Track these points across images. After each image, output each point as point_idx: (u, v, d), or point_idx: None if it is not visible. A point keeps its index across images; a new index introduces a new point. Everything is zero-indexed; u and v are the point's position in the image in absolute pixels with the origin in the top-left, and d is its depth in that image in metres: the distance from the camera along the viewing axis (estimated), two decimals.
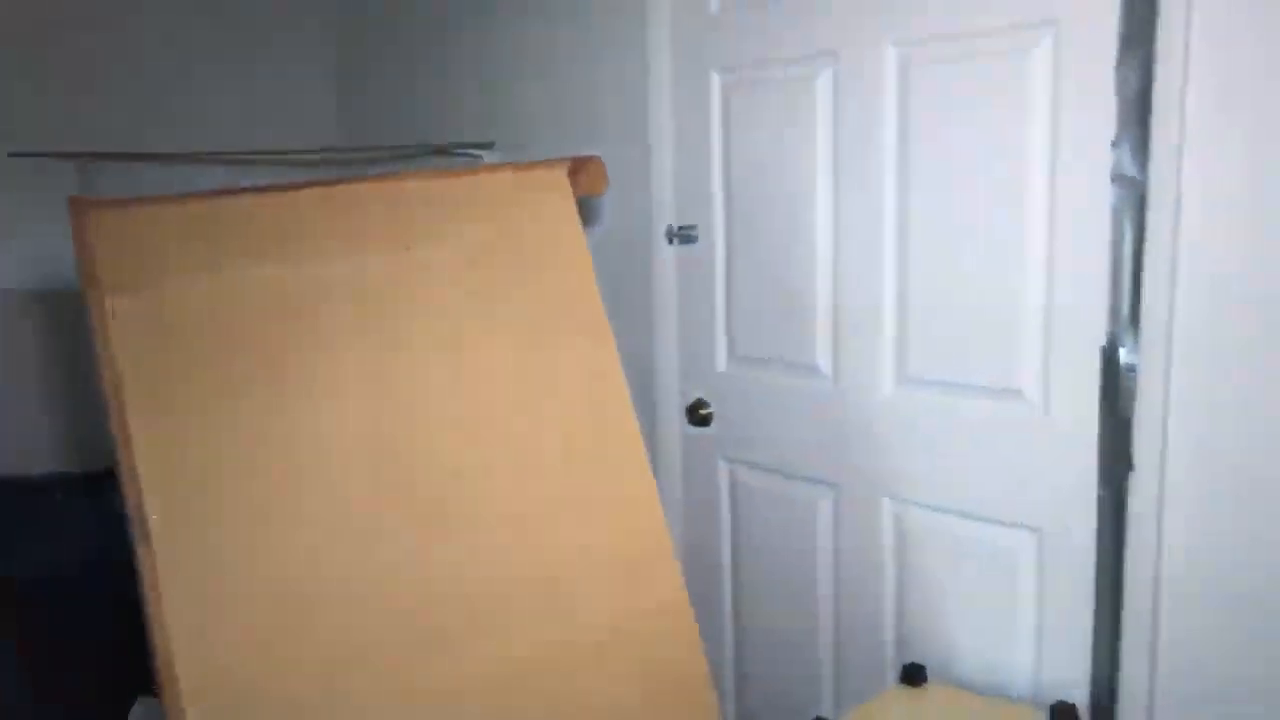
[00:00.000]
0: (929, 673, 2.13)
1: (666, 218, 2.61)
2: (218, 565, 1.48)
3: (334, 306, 1.62)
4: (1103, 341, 1.88)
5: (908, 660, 2.17)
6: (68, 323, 2.96)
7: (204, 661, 1.44)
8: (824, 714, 2.15)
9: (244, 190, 1.63)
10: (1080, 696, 1.97)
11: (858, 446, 2.28)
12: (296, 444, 1.55)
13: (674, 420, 2.69)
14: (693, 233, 2.56)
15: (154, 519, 1.45)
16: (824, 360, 2.33)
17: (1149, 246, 1.81)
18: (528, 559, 1.68)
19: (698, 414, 2.62)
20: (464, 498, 1.65)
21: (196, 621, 1.45)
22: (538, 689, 1.63)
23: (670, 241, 2.60)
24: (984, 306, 2.04)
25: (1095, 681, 1.97)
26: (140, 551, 1.47)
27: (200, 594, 1.46)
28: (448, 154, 2.96)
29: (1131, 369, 1.85)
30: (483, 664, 1.59)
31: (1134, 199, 1.82)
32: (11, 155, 2.80)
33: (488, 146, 2.92)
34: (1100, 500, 1.91)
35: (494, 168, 2.01)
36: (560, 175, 1.94)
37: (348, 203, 1.70)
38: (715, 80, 2.45)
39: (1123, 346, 1.86)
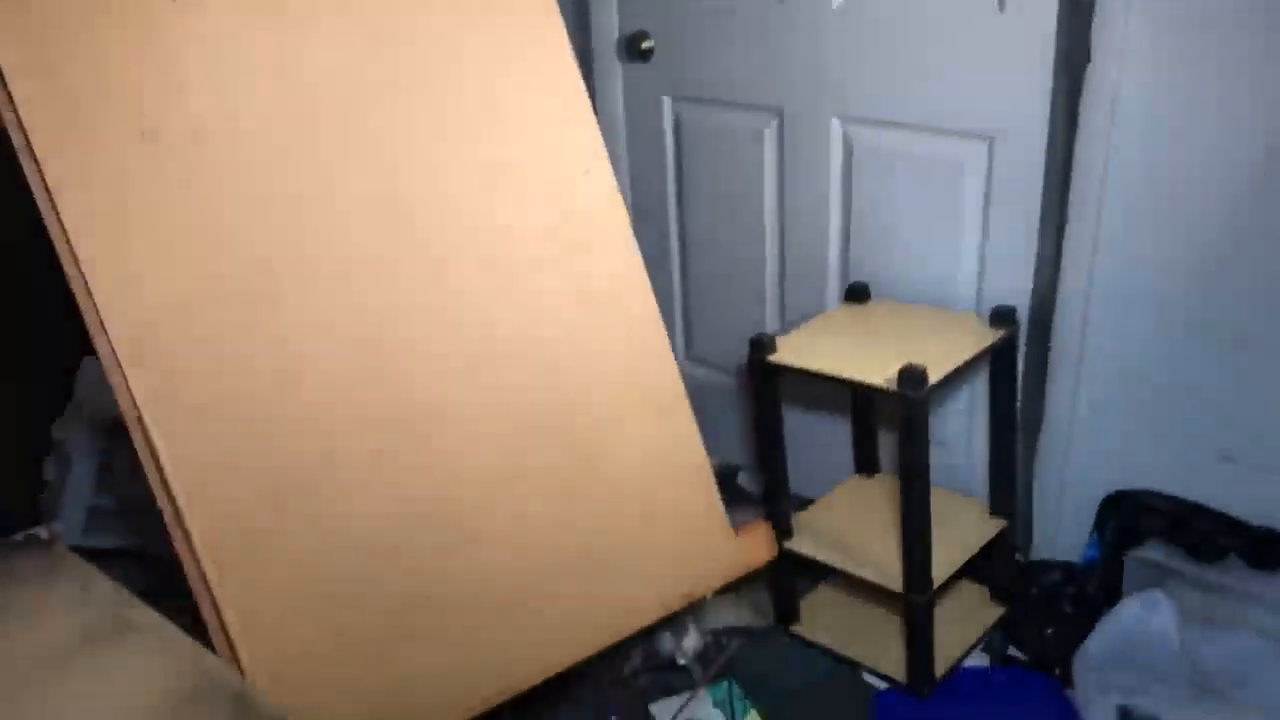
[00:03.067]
0: (875, 288, 2.15)
1: None
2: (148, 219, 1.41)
3: None
4: None
5: (852, 281, 2.18)
6: None
7: (137, 313, 1.40)
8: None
9: None
10: (1021, 303, 2.00)
11: (806, 65, 2.16)
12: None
13: (611, 55, 2.53)
14: None
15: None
16: None
17: None
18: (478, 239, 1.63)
19: (638, 48, 2.46)
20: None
21: (128, 271, 1.41)
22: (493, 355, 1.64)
23: None
24: None
25: (1036, 288, 1.99)
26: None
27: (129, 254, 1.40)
28: None
29: None
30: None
31: None
32: None
33: None
34: (1054, 96, 1.83)
35: None
36: None
37: None
38: None
39: None
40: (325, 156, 1.53)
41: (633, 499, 1.74)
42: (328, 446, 1.53)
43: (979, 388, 2.11)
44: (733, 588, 2.26)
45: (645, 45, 2.45)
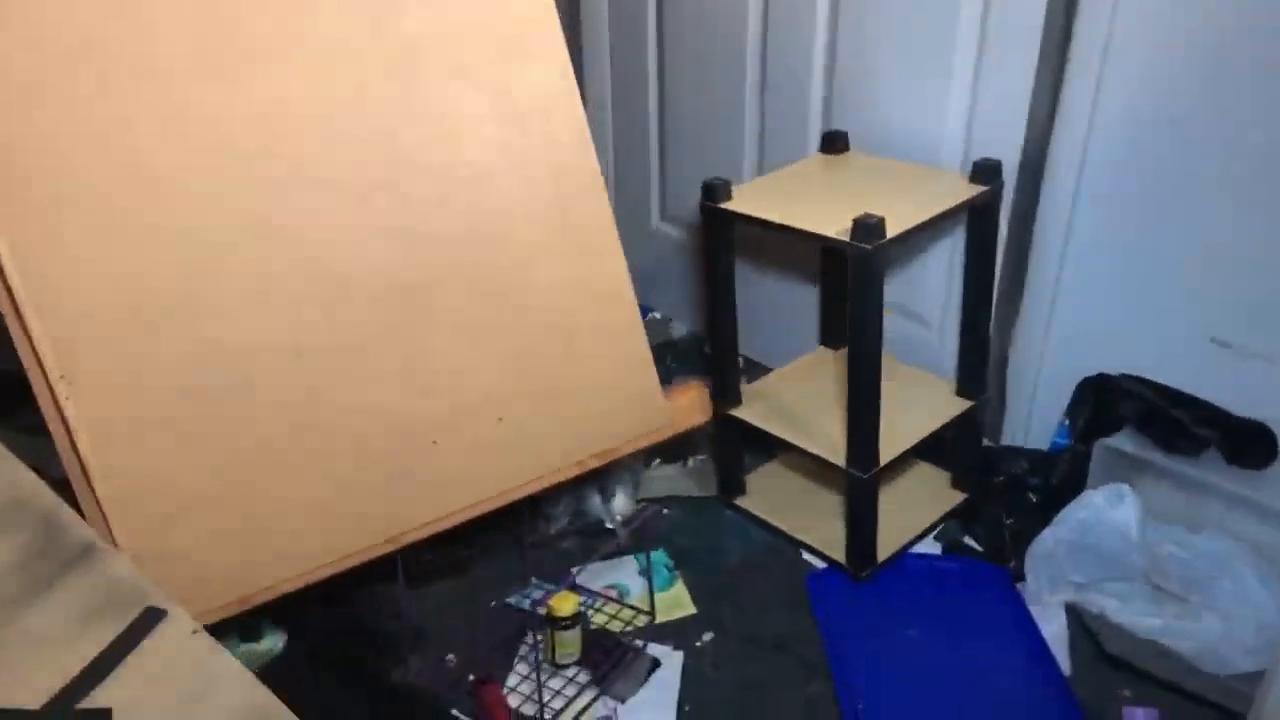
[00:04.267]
0: (855, 141, 1.94)
1: None
2: None
3: None
4: None
5: (830, 129, 1.97)
6: None
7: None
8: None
9: None
10: (1010, 160, 1.79)
11: None
12: None
13: None
14: None
15: None
16: None
17: None
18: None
19: None
20: None
21: None
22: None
23: None
24: None
25: (1028, 144, 1.78)
26: None
27: None
28: None
29: None
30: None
31: None
32: None
33: None
34: None
35: None
36: None
37: None
38: None
39: None
40: None
41: (550, 344, 1.58)
42: (199, 258, 1.38)
43: (960, 258, 1.92)
44: (680, 456, 2.13)
45: None
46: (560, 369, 1.60)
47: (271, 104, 1.40)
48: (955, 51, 1.80)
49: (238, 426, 1.42)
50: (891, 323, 2.08)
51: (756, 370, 2.35)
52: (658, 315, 2.68)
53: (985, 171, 1.70)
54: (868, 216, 1.52)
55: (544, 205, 1.57)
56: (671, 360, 2.52)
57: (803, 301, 2.23)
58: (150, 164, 1.34)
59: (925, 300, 2.02)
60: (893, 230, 1.54)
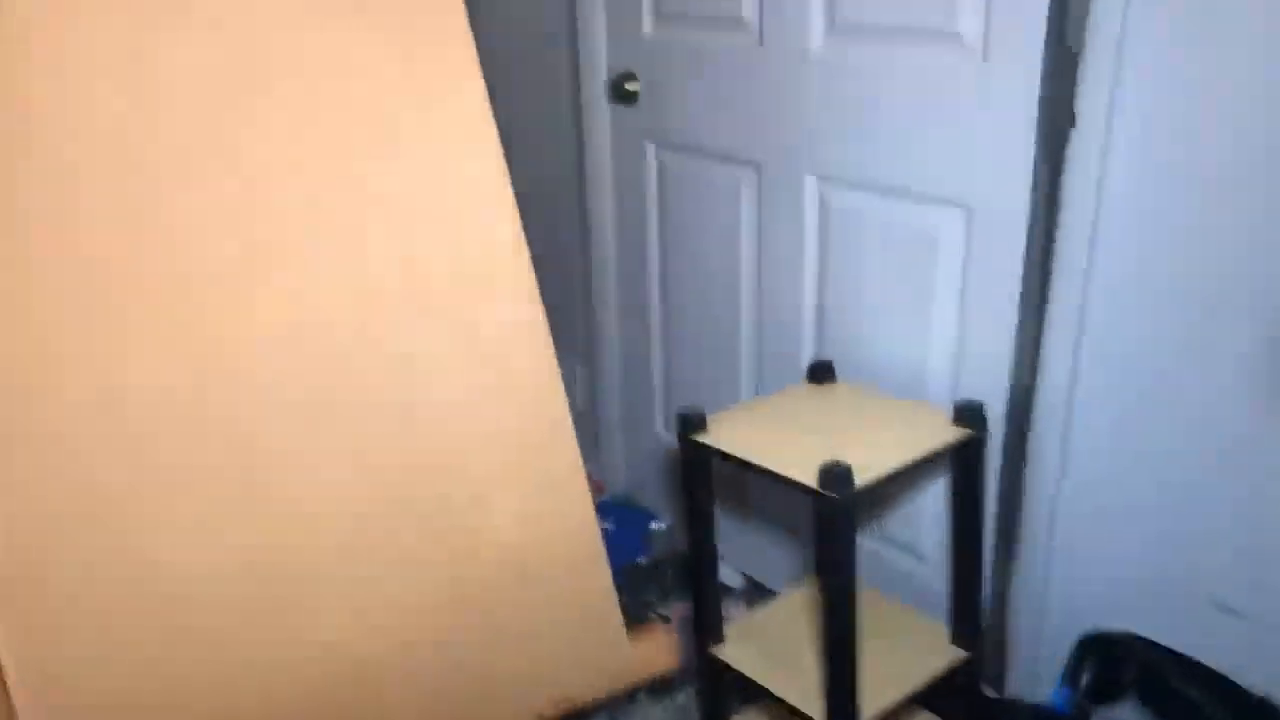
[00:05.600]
0: (843, 371, 1.90)
1: None
2: None
3: None
4: None
5: (826, 358, 1.94)
6: None
7: None
8: None
9: None
10: (998, 399, 1.73)
11: (783, 117, 1.95)
12: None
13: (601, 95, 2.37)
14: None
15: None
16: (749, 10, 1.96)
17: None
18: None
19: (624, 90, 2.29)
20: None
21: None
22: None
23: None
24: None
25: (1015, 384, 1.72)
26: None
27: None
28: None
29: None
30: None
31: None
32: None
33: None
34: (1036, 164, 1.58)
35: None
36: None
37: None
38: None
39: None
40: (168, 156, 1.38)
41: (507, 585, 1.53)
42: (141, 474, 1.36)
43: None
44: (668, 690, 2.02)
45: (631, 87, 2.28)
46: (517, 610, 1.54)
47: (232, 328, 1.41)
48: (938, 287, 1.78)
49: (174, 656, 1.37)
50: (888, 556, 2.00)
51: (765, 594, 2.26)
52: (662, 525, 2.61)
53: (967, 414, 1.64)
54: (836, 465, 1.46)
55: (505, 440, 1.55)
56: (673, 574, 2.44)
57: (807, 524, 2.15)
58: (97, 380, 1.34)
59: (922, 534, 1.94)
60: (864, 478, 1.48)
